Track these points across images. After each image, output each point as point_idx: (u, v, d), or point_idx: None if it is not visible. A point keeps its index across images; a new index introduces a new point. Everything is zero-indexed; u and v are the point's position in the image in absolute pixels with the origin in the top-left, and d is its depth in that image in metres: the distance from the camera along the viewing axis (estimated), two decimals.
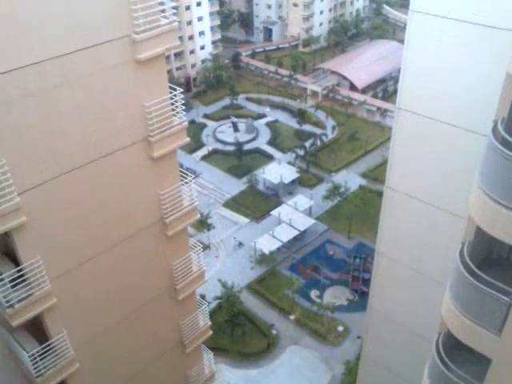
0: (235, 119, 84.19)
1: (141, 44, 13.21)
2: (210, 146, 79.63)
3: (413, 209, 19.38)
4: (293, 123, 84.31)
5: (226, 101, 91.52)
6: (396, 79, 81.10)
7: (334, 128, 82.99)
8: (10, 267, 13.71)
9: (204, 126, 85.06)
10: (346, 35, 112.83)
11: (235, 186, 70.72)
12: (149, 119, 14.28)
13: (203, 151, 78.27)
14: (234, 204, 67.79)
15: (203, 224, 59.36)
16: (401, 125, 18.29)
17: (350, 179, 69.97)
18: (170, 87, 14.95)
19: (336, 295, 54.45)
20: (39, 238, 13.59)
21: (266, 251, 57.44)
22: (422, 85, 16.91)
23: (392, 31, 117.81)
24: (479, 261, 12.89)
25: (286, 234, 60.00)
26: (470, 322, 12.06)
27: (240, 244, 61.08)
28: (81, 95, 12.85)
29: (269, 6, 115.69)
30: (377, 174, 69.02)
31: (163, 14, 13.77)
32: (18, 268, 13.48)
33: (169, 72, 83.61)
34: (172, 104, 14.96)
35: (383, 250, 21.53)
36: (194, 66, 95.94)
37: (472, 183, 11.91)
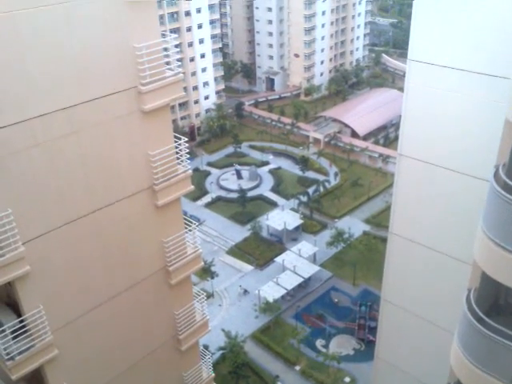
0: (239, 167, 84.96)
1: (147, 95, 13.56)
2: (214, 193, 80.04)
3: (417, 255, 19.27)
4: (296, 170, 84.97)
5: (230, 149, 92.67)
6: (397, 126, 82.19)
7: (336, 174, 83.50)
8: (11, 318, 13.55)
9: (208, 173, 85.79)
10: (346, 84, 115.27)
11: (239, 233, 70.54)
12: (154, 168, 14.47)
13: (207, 198, 78.61)
14: (238, 251, 67.42)
15: (207, 272, 58.87)
16: (403, 171, 18.47)
17: (354, 225, 69.76)
18: (175, 136, 15.23)
19: (342, 344, 53.24)
20: (42, 288, 13.50)
21: (271, 299, 56.65)
22: (422, 132, 17.19)
23: (391, 80, 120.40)
24: (487, 307, 12.70)
25: (290, 282, 59.36)
26: (480, 371, 11.76)
27: (245, 292, 60.37)
28: (87, 145, 13.09)
29: (271, 57, 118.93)
30: (380, 220, 68.87)
31: (168, 66, 14.19)
32: (20, 319, 13.33)
33: (174, 121, 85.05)
34: (177, 153, 15.18)
35: (389, 297, 21.25)
36: (198, 115, 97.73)
37: (476, 228, 11.90)
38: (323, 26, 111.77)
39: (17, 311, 13.65)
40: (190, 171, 15.73)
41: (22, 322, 13.35)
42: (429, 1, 15.67)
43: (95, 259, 14.57)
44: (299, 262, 61.82)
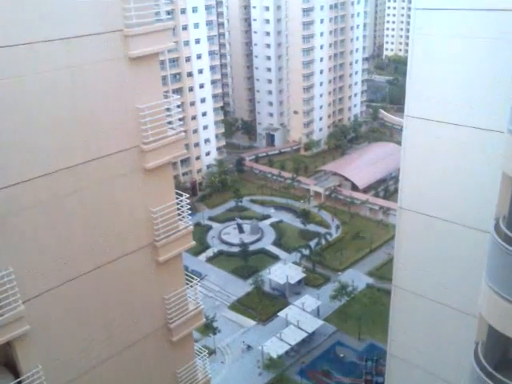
0: (240, 221, 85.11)
1: (149, 154, 13.84)
2: (216, 247, 79.75)
3: (422, 308, 19.01)
4: (297, 223, 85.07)
5: (231, 203, 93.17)
6: (396, 179, 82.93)
7: (338, 227, 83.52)
8: (8, 379, 13.22)
9: (209, 228, 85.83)
10: (345, 139, 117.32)
11: (241, 288, 69.74)
12: (155, 224, 14.56)
13: (209, 253, 78.25)
14: (240, 306, 66.43)
15: (209, 328, 57.77)
16: (403, 224, 18.53)
17: (357, 278, 69.08)
18: (177, 193, 15.41)
19: None
20: (41, 347, 13.27)
21: (274, 355, 55.30)
22: (421, 185, 17.39)
23: (389, 134, 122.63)
24: (496, 361, 12.42)
25: (294, 337, 58.16)
26: None
27: (248, 347, 59.02)
28: (89, 203, 13.24)
29: (271, 114, 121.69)
30: (383, 273, 68.26)
31: (171, 126, 14.57)
32: (18, 380, 13.02)
33: (175, 177, 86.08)
34: (178, 209, 15.32)
35: (395, 351, 20.79)
36: (199, 171, 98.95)
37: (480, 280, 11.84)
38: (321, 84, 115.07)
39: (14, 371, 13.36)
40: (192, 227, 15.80)
41: (19, 383, 13.03)
42: (423, 60, 16.26)
43: (95, 317, 14.40)
44: (303, 317, 60.78)
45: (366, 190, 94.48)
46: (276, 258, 76.27)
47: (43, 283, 12.82)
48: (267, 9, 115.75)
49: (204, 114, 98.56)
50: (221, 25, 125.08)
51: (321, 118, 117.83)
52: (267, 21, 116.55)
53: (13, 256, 12.07)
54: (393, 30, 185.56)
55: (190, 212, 15.74)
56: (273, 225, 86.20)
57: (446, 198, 16.77)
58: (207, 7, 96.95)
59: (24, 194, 11.94)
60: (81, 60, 12.34)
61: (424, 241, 18.13)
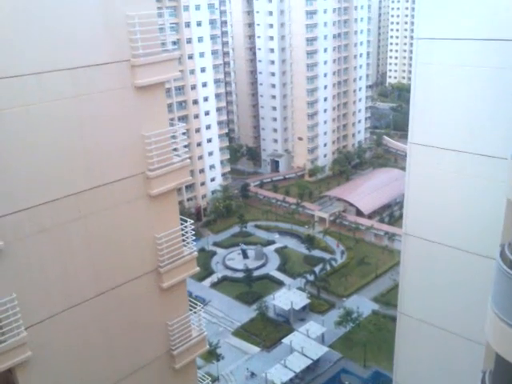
0: (244, 246, 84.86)
1: (154, 181, 13.96)
2: (220, 273, 79.35)
3: (428, 335, 18.79)
4: (302, 249, 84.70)
5: (236, 228, 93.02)
6: (401, 204, 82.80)
7: (342, 253, 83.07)
8: None
9: (214, 253, 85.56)
10: (349, 165, 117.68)
11: (245, 314, 69.10)
12: (159, 250, 14.58)
13: (213, 278, 77.82)
14: (244, 332, 65.71)
15: (212, 354, 57.06)
16: (408, 250, 18.48)
17: (362, 304, 68.38)
18: (181, 219, 15.47)
19: None
20: (42, 374, 13.16)
21: (278, 382, 54.44)
22: (426, 211, 17.40)
23: (394, 160, 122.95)
24: None
25: (298, 364, 57.33)
26: None
27: (252, 375, 58.13)
28: (93, 229, 13.30)
29: (275, 141, 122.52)
30: (389, 299, 67.57)
31: (176, 153, 14.72)
32: None
33: (180, 203, 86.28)
34: (183, 235, 15.36)
35: (401, 379, 20.48)
36: (204, 196, 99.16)
37: (486, 307, 11.74)
38: (325, 111, 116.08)
39: None
40: (196, 253, 15.81)
41: None
42: (425, 88, 16.46)
43: (98, 343, 14.31)
44: (307, 343, 60.02)
45: (370, 216, 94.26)
46: (280, 284, 75.72)
47: (46, 309, 12.81)
48: (271, 38, 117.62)
49: (209, 141, 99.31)
50: (226, 54, 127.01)
51: (325, 144, 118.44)
52: (272, 50, 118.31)
53: (16, 282, 12.10)
54: (396, 58, 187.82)
55: (194, 237, 15.78)
56: (277, 250, 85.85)
57: (451, 224, 16.75)
58: (213, 37, 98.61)
59: (29, 221, 12.02)
60: (87, 89, 12.56)
61: (429, 267, 18.04)
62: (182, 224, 15.38)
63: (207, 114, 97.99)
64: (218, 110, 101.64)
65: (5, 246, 11.57)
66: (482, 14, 14.95)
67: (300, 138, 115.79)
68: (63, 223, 12.68)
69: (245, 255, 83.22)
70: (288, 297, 68.72)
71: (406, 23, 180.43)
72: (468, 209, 16.11)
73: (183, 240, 15.45)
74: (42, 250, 12.45)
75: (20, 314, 11.93)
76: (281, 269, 79.95)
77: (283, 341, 62.03)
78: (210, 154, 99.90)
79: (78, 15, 12.09)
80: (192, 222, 15.74)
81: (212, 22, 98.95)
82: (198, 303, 16.90)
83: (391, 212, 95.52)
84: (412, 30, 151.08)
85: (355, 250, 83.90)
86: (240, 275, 77.26)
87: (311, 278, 72.39)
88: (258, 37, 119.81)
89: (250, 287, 73.89)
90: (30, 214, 12.01)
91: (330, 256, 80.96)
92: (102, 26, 12.57)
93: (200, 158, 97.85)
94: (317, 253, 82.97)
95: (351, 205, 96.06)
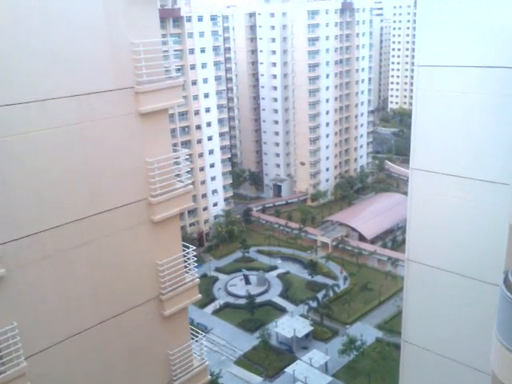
0: (247, 272, 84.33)
1: (157, 206, 13.96)
2: (222, 299, 78.66)
3: (433, 364, 18.48)
4: (304, 274, 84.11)
5: (238, 254, 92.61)
6: (403, 229, 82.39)
7: (345, 278, 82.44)
8: None
9: (216, 279, 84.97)
10: (351, 189, 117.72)
11: (247, 342, 68.22)
12: (161, 277, 14.48)
13: (215, 305, 77.10)
14: (247, 361, 64.78)
15: None
16: (412, 276, 18.32)
17: (366, 331, 67.51)
18: (183, 245, 15.41)
19: None
20: None
21: None
22: (428, 237, 17.31)
23: (396, 185, 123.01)
24: None
25: None
26: None
27: None
28: (95, 256, 13.24)
29: (277, 165, 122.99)
30: (393, 326, 66.74)
31: (179, 179, 14.75)
32: None
33: (182, 228, 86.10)
34: (185, 261, 15.27)
35: None
36: (206, 221, 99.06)
37: (490, 335, 11.56)
38: (327, 136, 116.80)
39: None
40: (198, 280, 15.69)
41: None
42: (427, 114, 16.57)
43: (98, 373, 14.10)
44: (310, 373, 59.03)
45: (373, 241, 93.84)
46: (283, 311, 74.96)
47: (47, 338, 12.65)
48: (274, 65, 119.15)
49: (212, 166, 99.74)
50: (229, 80, 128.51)
51: (327, 169, 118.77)
52: (274, 76, 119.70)
53: (17, 310, 11.98)
54: (397, 83, 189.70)
55: (196, 263, 15.68)
56: (280, 276, 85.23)
57: (454, 250, 16.65)
58: (216, 63, 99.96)
59: (31, 248, 11.97)
60: (91, 116, 12.64)
61: (433, 294, 17.86)
62: (184, 250, 15.31)
63: (210, 139, 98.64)
64: (221, 135, 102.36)
65: (6, 274, 11.49)
66: (482, 42, 15.13)
67: (302, 163, 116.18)
68: (65, 250, 12.62)
69: (247, 281, 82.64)
70: (291, 324, 67.94)
71: (407, 49, 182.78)
72: (471, 235, 16.02)
73: (185, 267, 15.35)
74: (43, 278, 12.36)
75: (20, 343, 11.76)
76: (283, 295, 79.25)
77: (286, 370, 61.07)
78: (213, 178, 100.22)
79: (83, 43, 12.25)
80: (194, 248, 15.67)
81: (216, 49, 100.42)
82: (200, 331, 16.68)
83: (394, 237, 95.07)
84: (413, 57, 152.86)
85: (358, 275, 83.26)
86: (242, 302, 76.53)
87: (314, 304, 71.65)
88: (261, 63, 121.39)
89: (253, 314, 73.13)
90: (33, 240, 11.98)
91: (333, 282, 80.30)
92: (106, 54, 12.72)
93: (203, 182, 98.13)
94: (319, 278, 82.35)
95: (354, 230, 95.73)
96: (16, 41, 11.19)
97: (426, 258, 17.56)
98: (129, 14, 12.96)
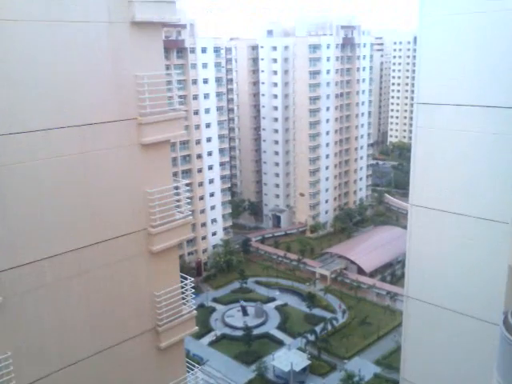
0: (244, 303, 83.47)
1: (156, 237, 13.97)
2: (219, 330, 77.63)
3: None
4: (302, 307, 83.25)
5: (236, 284, 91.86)
6: (403, 263, 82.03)
7: (344, 312, 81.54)
8: None
9: (213, 309, 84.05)
10: (351, 222, 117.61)
11: (243, 375, 67.08)
12: (158, 308, 14.38)
13: (211, 336, 76.05)
14: None
15: None
16: (410, 313, 18.14)
17: (364, 367, 66.43)
18: (182, 276, 15.34)
19: None
20: None
21: None
22: (427, 273, 17.22)
23: (395, 218, 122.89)
24: None
25: None
26: None
27: None
28: (93, 286, 13.18)
29: (277, 196, 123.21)
30: (391, 361, 65.71)
31: (179, 209, 14.80)
32: None
33: (181, 257, 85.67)
34: (182, 292, 15.18)
35: None
36: (205, 250, 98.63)
37: (490, 374, 11.41)
38: (327, 167, 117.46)
39: None
40: (195, 312, 15.57)
41: None
42: (425, 152, 16.71)
43: None
44: None
45: (372, 274, 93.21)
46: (280, 344, 73.87)
47: (41, 369, 12.49)
48: (275, 96, 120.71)
49: (212, 195, 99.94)
50: (231, 110, 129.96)
51: (327, 201, 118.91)
52: (275, 107, 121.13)
53: (12, 339, 11.87)
54: (397, 117, 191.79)
55: (193, 293, 15.58)
56: (278, 308, 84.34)
57: (453, 288, 16.54)
58: (218, 94, 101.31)
59: (29, 276, 11.94)
60: (94, 146, 12.79)
61: (432, 331, 17.66)
62: (182, 281, 15.24)
63: (210, 168, 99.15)
64: (222, 164, 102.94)
65: (3, 302, 11.42)
66: (480, 82, 15.39)
67: (302, 194, 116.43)
68: (63, 278, 12.58)
69: (244, 312, 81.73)
70: (288, 357, 66.90)
71: (406, 84, 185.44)
72: (470, 273, 15.96)
73: (183, 298, 15.26)
74: (40, 306, 12.28)
75: (14, 373, 11.61)
76: (281, 327, 78.26)
77: None
78: (213, 208, 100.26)
79: (88, 74, 12.48)
80: (192, 279, 15.60)
81: (218, 80, 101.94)
82: (196, 363, 16.45)
83: (393, 271, 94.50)
84: (412, 92, 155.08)
85: (357, 309, 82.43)
86: (239, 333, 75.54)
87: (312, 337, 70.69)
88: (263, 95, 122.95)
89: (250, 346, 72.06)
90: (32, 268, 11.95)
91: (332, 315, 79.44)
92: (111, 86, 12.94)
93: (202, 211, 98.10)
94: (318, 311, 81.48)
95: (353, 262, 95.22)
96: (22, 71, 11.41)
97: (425, 295, 17.43)
98: (134, 47, 13.25)
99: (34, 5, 11.37)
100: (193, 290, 15.44)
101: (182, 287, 15.23)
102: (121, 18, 12.87)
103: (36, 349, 12.33)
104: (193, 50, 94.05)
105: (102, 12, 12.54)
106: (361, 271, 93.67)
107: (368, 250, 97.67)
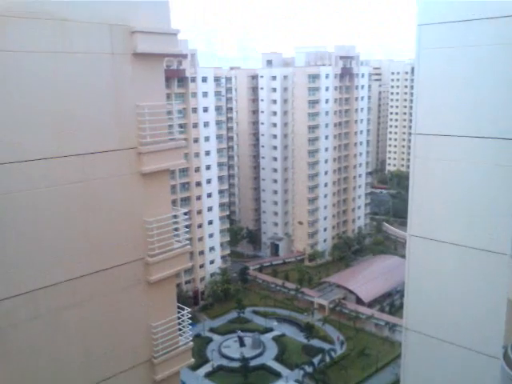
0: (241, 333, 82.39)
1: (153, 266, 13.86)
2: (215, 361, 76.37)
3: None
4: (300, 337, 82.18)
5: (233, 314, 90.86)
6: (402, 293, 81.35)
7: (342, 343, 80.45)
8: None
9: (210, 340, 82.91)
10: (349, 250, 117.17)
11: None
12: (154, 340, 14.17)
13: (207, 367, 74.78)
14: None
15: None
16: (410, 345, 17.91)
17: None
18: (178, 306, 15.17)
19: None
20: None
21: None
22: (426, 305, 17.07)
23: (394, 247, 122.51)
24: None
25: None
26: None
27: None
28: (88, 316, 12.99)
29: (275, 224, 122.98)
30: None
31: (177, 238, 14.73)
32: None
33: (178, 285, 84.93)
34: (179, 323, 14.99)
35: None
36: (202, 279, 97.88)
37: None
38: (326, 196, 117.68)
39: None
40: (192, 343, 15.34)
41: None
42: (423, 181, 16.79)
43: None
44: None
45: (371, 304, 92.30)
46: (278, 375, 72.64)
47: None
48: (275, 125, 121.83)
49: (210, 223, 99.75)
50: (230, 138, 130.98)
51: (325, 229, 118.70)
52: (274, 136, 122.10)
53: (4, 372, 11.65)
54: (395, 146, 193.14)
55: (190, 322, 15.38)
56: (275, 338, 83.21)
57: (452, 320, 16.38)
58: (218, 122, 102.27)
59: (24, 306, 11.79)
60: (94, 174, 12.80)
61: (432, 364, 17.40)
62: (179, 312, 15.06)
63: (209, 196, 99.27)
64: (221, 192, 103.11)
65: None
66: (478, 113, 15.55)
67: (300, 223, 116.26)
68: (59, 309, 12.41)
69: (241, 343, 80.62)
70: None
71: (404, 113, 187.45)
72: (470, 305, 15.82)
73: (179, 329, 15.06)
74: (34, 338, 12.08)
75: None
76: (278, 359, 77.08)
77: None
78: (211, 235, 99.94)
79: (90, 104, 12.59)
80: (189, 309, 15.42)
81: (218, 108, 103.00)
82: None
83: (392, 301, 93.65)
84: (410, 121, 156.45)
85: (355, 340, 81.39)
86: (236, 364, 74.32)
87: (310, 369, 69.58)
88: (262, 123, 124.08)
89: (246, 378, 70.86)
90: (26, 299, 11.80)
91: (330, 346, 78.35)
92: (112, 115, 13.04)
93: (200, 239, 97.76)
94: (316, 342, 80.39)
95: (351, 292, 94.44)
96: (25, 100, 11.51)
97: (425, 327, 17.24)
98: (135, 78, 13.40)
99: (39, 36, 11.55)
100: (190, 321, 15.25)
101: (179, 318, 15.05)
102: (123, 49, 13.06)
103: (29, 381, 12.10)
104: (193, 79, 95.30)
105: (105, 43, 12.73)
106: (359, 301, 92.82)
107: (367, 279, 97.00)
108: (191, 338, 15.44)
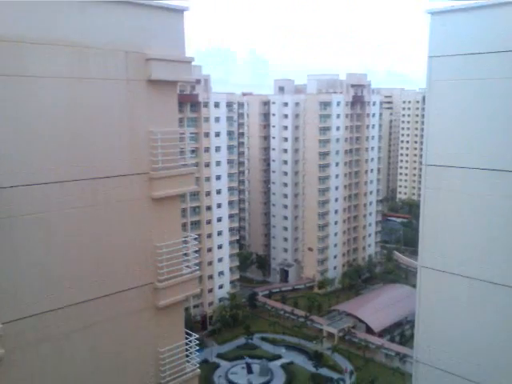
0: (249, 360, 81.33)
1: (162, 291, 13.85)
2: None
3: None
4: (309, 366, 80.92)
5: (241, 340, 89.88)
6: (412, 323, 79.99)
7: (351, 373, 79.02)
8: None
9: (217, 366, 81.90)
10: (359, 278, 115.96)
11: None
12: (161, 366, 14.07)
13: None
14: None
15: None
16: (419, 378, 17.55)
17: None
18: (186, 332, 15.08)
19: None
20: None
21: None
22: (438, 338, 16.78)
23: (405, 276, 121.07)
24: None
25: None
26: None
27: None
28: (96, 340, 12.97)
29: (285, 250, 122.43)
30: None
31: (187, 264, 14.72)
32: None
33: (186, 310, 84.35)
34: (186, 349, 14.88)
35: None
36: (211, 304, 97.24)
37: None
38: (336, 223, 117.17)
39: None
40: (199, 370, 15.20)
41: None
42: (434, 213, 16.68)
43: None
44: None
45: (381, 334, 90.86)
46: None
47: None
48: (285, 151, 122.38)
49: (220, 247, 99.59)
50: (241, 163, 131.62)
51: (335, 256, 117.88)
52: (285, 162, 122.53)
53: None
54: (406, 174, 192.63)
55: (198, 348, 15.24)
56: (283, 366, 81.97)
57: (464, 355, 16.06)
58: (229, 147, 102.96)
59: (33, 329, 11.81)
60: (106, 198, 12.93)
61: None
62: (186, 337, 14.96)
63: (219, 220, 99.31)
64: (231, 216, 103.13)
65: (5, 355, 11.22)
66: (490, 145, 15.52)
67: (310, 249, 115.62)
68: (68, 332, 12.40)
69: (249, 370, 79.51)
70: None
71: (415, 142, 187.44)
72: (482, 339, 15.53)
73: (186, 355, 14.93)
74: (43, 360, 12.07)
75: None
76: None
77: None
78: (220, 260, 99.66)
79: (104, 130, 12.80)
80: (197, 336, 15.31)
81: (230, 133, 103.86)
82: None
83: (402, 331, 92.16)
84: (421, 149, 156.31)
85: (365, 370, 79.89)
86: None
87: None
88: (273, 149, 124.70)
89: None
90: (35, 321, 11.83)
91: (339, 376, 76.98)
92: (125, 141, 13.23)
93: (210, 263, 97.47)
94: (324, 371, 79.05)
95: (361, 321, 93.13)
96: (41, 125, 11.74)
97: (435, 360, 16.92)
98: (149, 104, 13.64)
99: (57, 62, 11.84)
100: (197, 348, 15.13)
101: (187, 344, 14.95)
102: (138, 76, 13.32)
103: None
104: (206, 105, 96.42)
105: (121, 70, 13.00)
106: (369, 330, 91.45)
107: (377, 308, 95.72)
108: (198, 365, 15.30)
